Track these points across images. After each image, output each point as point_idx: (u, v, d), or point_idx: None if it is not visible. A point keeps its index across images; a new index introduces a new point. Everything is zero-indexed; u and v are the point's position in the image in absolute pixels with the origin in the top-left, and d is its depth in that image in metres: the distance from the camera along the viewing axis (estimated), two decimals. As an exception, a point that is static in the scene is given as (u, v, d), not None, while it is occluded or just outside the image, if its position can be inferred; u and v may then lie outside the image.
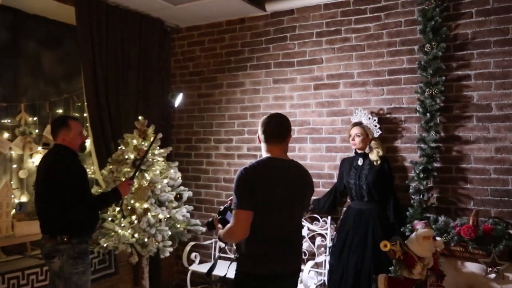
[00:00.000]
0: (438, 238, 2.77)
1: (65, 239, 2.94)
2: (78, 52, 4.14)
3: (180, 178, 4.18)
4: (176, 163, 4.26)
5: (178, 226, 4.06)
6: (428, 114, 3.58)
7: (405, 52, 3.85)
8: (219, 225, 2.40)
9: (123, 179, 3.68)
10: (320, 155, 4.23)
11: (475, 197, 3.56)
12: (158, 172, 3.99)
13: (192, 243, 4.45)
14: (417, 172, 3.59)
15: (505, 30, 3.48)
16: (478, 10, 3.57)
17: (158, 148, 4.05)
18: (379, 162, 3.67)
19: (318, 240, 4.13)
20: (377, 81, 3.98)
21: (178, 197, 4.10)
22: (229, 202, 2.47)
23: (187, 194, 4.21)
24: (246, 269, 2.32)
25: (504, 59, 3.48)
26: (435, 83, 3.59)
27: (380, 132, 3.76)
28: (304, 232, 4.12)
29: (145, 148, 3.88)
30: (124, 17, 4.38)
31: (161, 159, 4.07)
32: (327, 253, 4.02)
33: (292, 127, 4.29)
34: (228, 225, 2.27)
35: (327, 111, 4.21)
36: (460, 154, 3.62)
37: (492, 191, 3.50)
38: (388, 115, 3.90)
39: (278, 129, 2.40)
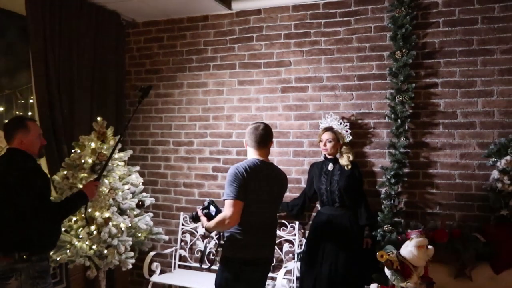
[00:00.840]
0: (429, 246, 2.79)
1: (24, 256, 2.60)
2: (28, 44, 3.71)
3: (141, 183, 3.91)
4: (137, 168, 3.98)
5: (139, 235, 3.79)
6: (399, 120, 3.64)
7: (375, 58, 3.88)
8: (204, 218, 2.78)
9: (80, 186, 3.36)
10: (287, 159, 4.16)
11: (441, 202, 3.67)
12: (118, 177, 3.69)
13: (153, 253, 4.19)
14: (388, 177, 3.63)
15: (469, 41, 3.62)
16: (445, 20, 3.68)
17: (117, 151, 3.75)
18: (349, 167, 3.66)
19: (286, 247, 4.05)
20: (346, 86, 3.98)
21: (140, 204, 3.83)
22: (205, 202, 2.87)
23: (149, 200, 3.95)
24: (230, 254, 2.72)
25: (469, 69, 3.61)
26: (404, 90, 3.65)
27: (351, 137, 3.75)
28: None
29: (105, 152, 3.58)
30: (80, 8, 4.00)
31: (121, 163, 3.77)
32: (296, 259, 3.95)
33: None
34: (221, 214, 2.65)
35: (295, 115, 4.15)
36: (428, 160, 3.71)
37: (457, 196, 3.63)
38: (358, 121, 3.91)
39: (264, 136, 2.84)
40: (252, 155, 2.84)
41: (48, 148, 3.78)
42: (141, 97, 3.32)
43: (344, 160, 3.68)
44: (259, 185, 2.71)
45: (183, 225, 4.46)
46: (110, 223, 3.44)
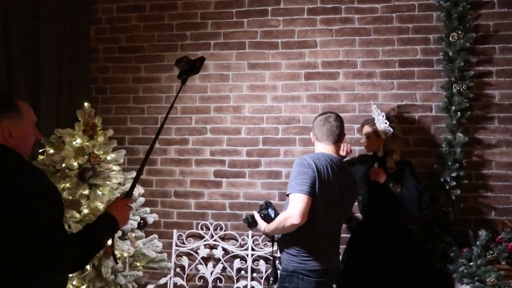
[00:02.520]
0: None
1: None
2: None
3: (142, 195, 2.90)
4: (133, 173, 2.96)
5: (138, 264, 2.79)
6: (458, 113, 3.12)
7: (419, 41, 3.33)
8: (263, 222, 2.45)
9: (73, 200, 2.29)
10: (313, 160, 3.42)
11: (497, 206, 3.23)
12: (115, 187, 2.66)
13: (151, 286, 3.16)
14: (448, 179, 3.09)
15: (526, 25, 3.24)
16: (500, 0, 3.26)
17: (110, 151, 2.72)
18: (393, 170, 2.99)
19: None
20: (386, 73, 3.37)
21: (142, 224, 2.83)
22: (262, 203, 2.54)
23: (151, 218, 2.95)
24: (294, 265, 2.30)
25: (526, 57, 3.23)
26: (460, 78, 3.15)
27: (391, 130, 3.00)
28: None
29: (97, 152, 2.54)
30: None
31: (116, 167, 2.74)
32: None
33: (276, 126, 3.49)
34: (285, 212, 2.23)
35: (323, 107, 3.43)
36: (481, 159, 3.25)
37: (515, 199, 3.23)
38: (400, 114, 3.33)
39: (339, 128, 2.43)
40: (321, 150, 2.44)
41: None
42: (185, 77, 2.21)
43: (388, 161, 3.03)
44: (330, 182, 2.29)
45: (177, 245, 3.49)
46: (116, 253, 2.42)
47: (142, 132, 3.65)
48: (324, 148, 2.42)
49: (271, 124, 3.49)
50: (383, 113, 3.04)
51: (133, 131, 3.66)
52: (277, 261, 2.61)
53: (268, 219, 2.44)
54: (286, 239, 2.35)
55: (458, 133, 3.15)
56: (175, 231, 3.52)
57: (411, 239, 3.00)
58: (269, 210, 2.48)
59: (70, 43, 3.33)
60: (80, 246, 1.62)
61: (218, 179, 3.55)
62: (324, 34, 3.45)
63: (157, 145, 3.62)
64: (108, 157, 2.71)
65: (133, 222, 2.69)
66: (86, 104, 2.68)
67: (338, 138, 2.42)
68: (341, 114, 3.25)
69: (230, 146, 3.53)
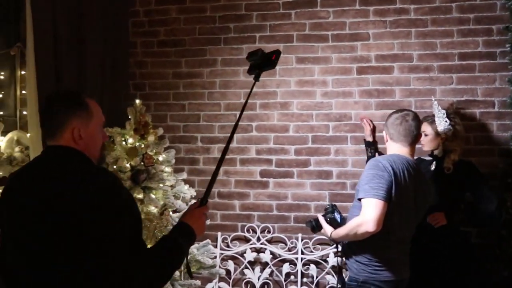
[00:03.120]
0: None
1: None
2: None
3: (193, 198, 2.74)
4: (184, 175, 2.79)
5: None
6: (528, 110, 2.93)
7: (481, 32, 3.13)
8: (328, 226, 2.30)
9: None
10: (366, 159, 3.24)
11: None
12: (169, 190, 2.49)
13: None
14: (516, 180, 2.91)
15: None
16: None
17: (162, 151, 2.55)
18: (450, 170, 2.76)
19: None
20: (444, 67, 3.17)
21: (195, 229, 2.66)
22: (327, 206, 2.40)
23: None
24: (365, 275, 2.12)
25: None
26: (527, 72, 2.96)
27: (451, 129, 2.79)
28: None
29: (151, 153, 2.37)
30: None
31: (168, 169, 2.57)
32: None
33: (327, 123, 3.31)
34: (358, 219, 2.05)
35: (377, 103, 3.25)
36: (550, 158, 3.06)
37: None
38: (460, 110, 3.13)
39: (416, 128, 2.24)
40: (396, 151, 2.23)
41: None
42: (258, 72, 1.90)
43: (446, 161, 2.82)
44: (406, 187, 2.11)
45: (222, 248, 3.33)
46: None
47: (184, 130, 3.48)
48: (399, 149, 2.23)
49: (321, 121, 3.31)
50: (444, 111, 2.85)
51: (173, 129, 3.48)
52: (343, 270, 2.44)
53: (334, 223, 2.29)
54: (356, 246, 2.17)
55: (525, 131, 2.96)
56: (219, 233, 3.35)
57: (469, 245, 2.82)
58: (335, 213, 2.33)
59: (111, 39, 3.16)
60: (162, 264, 1.44)
61: (264, 179, 3.37)
62: (377, 26, 3.25)
63: (199, 143, 3.45)
64: (160, 158, 2.55)
65: (187, 227, 2.52)
66: (137, 101, 2.52)
67: (415, 139, 2.24)
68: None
69: (277, 145, 3.35)
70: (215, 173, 1.77)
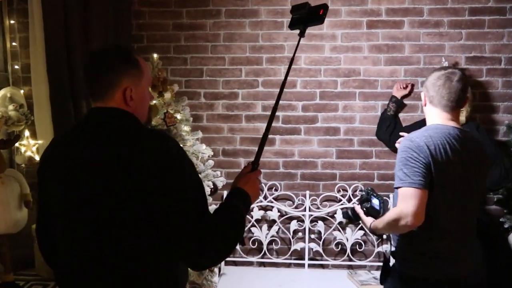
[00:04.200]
0: None
1: None
2: None
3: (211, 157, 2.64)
4: (200, 133, 2.67)
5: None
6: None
7: (492, -13, 3.11)
8: (366, 217, 2.01)
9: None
10: (374, 116, 3.22)
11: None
12: (190, 151, 2.39)
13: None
14: (520, 136, 2.99)
15: None
16: None
17: (182, 107, 2.41)
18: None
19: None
20: (454, 22, 3.15)
21: (213, 190, 2.61)
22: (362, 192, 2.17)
23: (220, 182, 2.72)
24: (411, 271, 1.84)
25: None
26: (536, 28, 2.99)
27: None
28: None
29: (172, 111, 2.24)
30: None
31: (187, 128, 2.45)
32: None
33: (335, 78, 3.25)
34: (395, 210, 1.76)
35: (386, 58, 3.20)
36: (548, 114, 3.16)
37: None
38: (467, 67, 3.15)
39: (463, 91, 1.86)
40: (437, 118, 1.87)
41: (56, 106, 2.29)
42: (303, 28, 1.72)
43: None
44: (450, 166, 1.77)
45: (228, 207, 3.28)
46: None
47: (185, 86, 3.31)
48: (439, 116, 1.86)
49: (329, 76, 3.24)
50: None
51: (175, 83, 3.31)
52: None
53: (373, 212, 2.00)
54: (398, 239, 1.91)
55: (531, 87, 3.02)
56: (225, 192, 3.30)
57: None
58: (373, 200, 2.03)
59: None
60: (229, 233, 1.36)
61: (271, 136, 3.28)
62: (389, -22, 3.15)
63: (202, 99, 3.31)
64: (178, 116, 2.41)
65: (206, 188, 2.44)
66: (155, 55, 2.34)
67: (460, 103, 1.85)
68: (405, 67, 3.14)
69: (284, 101, 3.26)
70: (266, 135, 1.67)
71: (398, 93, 3.10)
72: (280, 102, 3.20)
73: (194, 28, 3.28)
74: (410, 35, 3.18)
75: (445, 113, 1.86)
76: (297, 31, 1.75)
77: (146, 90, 1.46)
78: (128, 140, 1.30)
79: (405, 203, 1.72)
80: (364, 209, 2.03)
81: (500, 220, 3.01)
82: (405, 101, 3.18)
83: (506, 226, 2.96)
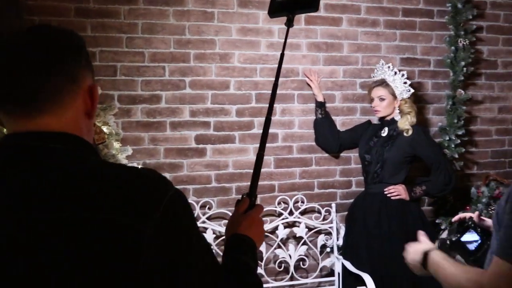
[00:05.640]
0: None
1: None
2: None
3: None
4: (129, 151, 2.08)
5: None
6: (464, 69, 3.01)
7: (422, -12, 3.08)
8: (425, 239, 1.35)
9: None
10: (313, 120, 2.96)
11: (479, 161, 3.31)
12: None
13: None
14: (453, 137, 3.01)
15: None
16: (495, -49, 3.18)
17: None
18: (410, 132, 2.74)
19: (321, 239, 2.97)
20: (390, 22, 3.04)
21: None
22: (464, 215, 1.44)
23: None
24: None
25: None
26: (464, 32, 3.03)
27: (412, 91, 2.81)
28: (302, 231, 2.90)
29: (104, 128, 1.70)
30: None
31: (117, 145, 1.89)
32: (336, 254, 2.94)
33: (272, 79, 2.90)
34: (476, 278, 1.10)
35: (325, 57, 2.96)
36: (470, 115, 3.25)
37: (492, 153, 3.34)
38: (401, 68, 3.07)
39: None
40: None
41: None
42: (291, 16, 1.38)
43: (403, 123, 2.77)
44: None
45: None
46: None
47: (94, 87, 2.65)
48: None
49: (266, 76, 2.88)
50: (403, 72, 2.78)
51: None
52: None
53: (458, 249, 1.36)
54: None
55: (459, 90, 3.06)
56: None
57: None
58: (466, 235, 1.38)
59: None
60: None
61: (201, 145, 2.82)
62: (327, -30, 2.91)
63: (116, 103, 2.67)
64: (105, 129, 1.82)
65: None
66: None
67: None
68: (344, 67, 2.95)
69: (216, 104, 2.82)
70: (260, 155, 1.24)
71: (317, 94, 2.88)
72: (211, 106, 2.79)
73: (104, 15, 2.63)
74: (348, 33, 2.98)
75: None
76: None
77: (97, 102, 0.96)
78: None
79: (497, 277, 1.08)
80: (448, 242, 1.38)
81: (436, 221, 3.03)
82: (344, 104, 3.00)
83: (442, 227, 2.99)
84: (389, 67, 2.82)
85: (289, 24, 1.40)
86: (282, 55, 1.35)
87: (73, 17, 2.58)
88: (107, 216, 0.74)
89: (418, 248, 1.32)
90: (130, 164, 2.43)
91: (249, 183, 1.41)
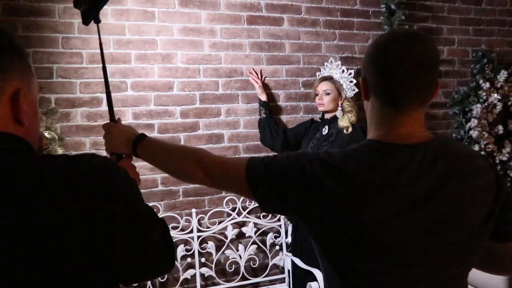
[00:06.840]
0: None
1: None
2: None
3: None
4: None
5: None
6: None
7: (358, -10, 3.19)
8: None
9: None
10: (257, 119, 2.98)
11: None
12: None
13: None
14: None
15: (435, -16, 3.44)
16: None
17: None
18: (350, 129, 2.80)
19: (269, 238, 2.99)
20: (329, 22, 3.12)
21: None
22: None
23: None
24: None
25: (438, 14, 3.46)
26: (397, 31, 3.18)
27: (356, 90, 2.92)
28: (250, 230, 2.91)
29: (46, 134, 1.61)
30: None
31: (61, 150, 1.79)
32: (285, 252, 2.98)
33: (216, 79, 2.95)
34: None
35: (267, 57, 2.98)
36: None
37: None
38: (342, 67, 3.16)
39: (416, 74, 0.93)
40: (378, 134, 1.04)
41: None
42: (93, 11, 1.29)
43: (344, 121, 2.84)
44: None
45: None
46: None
47: (28, 90, 2.50)
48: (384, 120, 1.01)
49: (209, 77, 2.86)
50: (351, 71, 2.87)
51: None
52: None
53: None
54: None
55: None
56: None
57: None
58: None
59: None
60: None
61: (145, 149, 2.75)
62: (267, -30, 2.94)
63: (53, 105, 2.54)
64: (47, 134, 1.73)
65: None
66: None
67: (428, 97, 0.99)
68: (286, 66, 3.00)
69: (160, 106, 2.76)
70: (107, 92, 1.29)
71: (260, 93, 2.92)
72: (154, 108, 2.74)
73: (36, 13, 2.49)
74: (289, 33, 3.03)
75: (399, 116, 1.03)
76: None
77: (38, 98, 0.92)
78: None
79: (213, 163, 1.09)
80: None
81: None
82: (287, 103, 3.04)
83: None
84: (337, 65, 2.90)
85: (97, 20, 1.34)
86: (101, 50, 1.34)
87: (1, 15, 2.42)
88: (83, 204, 0.74)
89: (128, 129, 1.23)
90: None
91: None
